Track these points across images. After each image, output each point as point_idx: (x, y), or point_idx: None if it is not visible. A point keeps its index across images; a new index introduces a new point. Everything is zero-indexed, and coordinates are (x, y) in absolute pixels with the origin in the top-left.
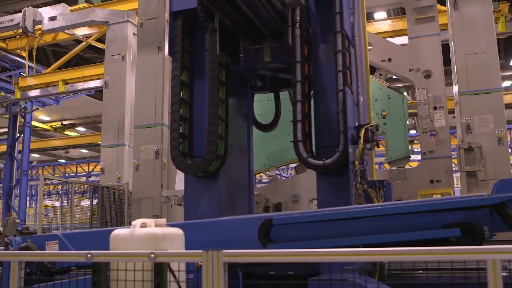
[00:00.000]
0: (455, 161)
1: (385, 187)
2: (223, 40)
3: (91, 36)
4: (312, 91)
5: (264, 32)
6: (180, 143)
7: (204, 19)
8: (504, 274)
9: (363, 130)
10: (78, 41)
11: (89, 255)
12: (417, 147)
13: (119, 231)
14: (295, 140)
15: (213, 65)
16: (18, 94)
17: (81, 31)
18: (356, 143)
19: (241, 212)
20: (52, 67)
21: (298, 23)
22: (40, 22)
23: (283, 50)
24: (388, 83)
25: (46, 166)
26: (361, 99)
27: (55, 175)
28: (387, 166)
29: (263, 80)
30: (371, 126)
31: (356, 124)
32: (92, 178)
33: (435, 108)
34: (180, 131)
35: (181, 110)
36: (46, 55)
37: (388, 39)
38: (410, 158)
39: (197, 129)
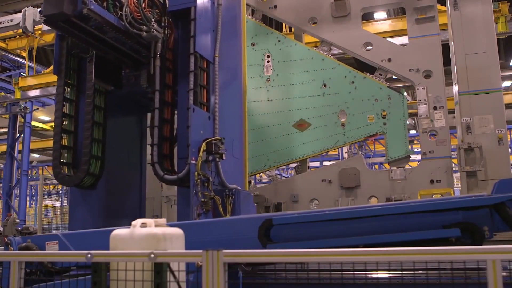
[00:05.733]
0: (455, 161)
1: (234, 195)
2: (106, 67)
3: None
4: (174, 115)
5: (142, 60)
6: (61, 154)
7: (79, 52)
8: (504, 274)
9: (204, 143)
10: None
11: (89, 255)
12: (417, 147)
13: (119, 231)
14: (152, 161)
15: (89, 92)
16: (18, 94)
17: None
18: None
19: (129, 215)
20: (52, 67)
21: (158, 55)
22: (40, 22)
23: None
24: (388, 83)
25: (46, 166)
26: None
27: None
28: (387, 166)
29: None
30: (215, 139)
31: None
32: None
33: (435, 108)
34: (66, 143)
35: (65, 123)
36: (46, 55)
37: (388, 39)
38: (410, 158)
39: (81, 141)
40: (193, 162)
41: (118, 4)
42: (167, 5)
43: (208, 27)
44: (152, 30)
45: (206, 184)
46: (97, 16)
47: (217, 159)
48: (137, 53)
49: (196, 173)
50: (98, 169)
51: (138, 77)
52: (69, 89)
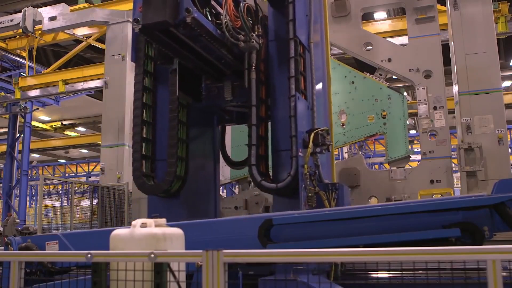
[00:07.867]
0: (455, 161)
1: (338, 190)
2: (186, 76)
3: (91, 36)
4: (267, 131)
5: (225, 71)
6: (141, 147)
7: (163, 62)
8: (504, 274)
9: (313, 134)
10: (78, 41)
11: (89, 255)
12: (417, 147)
13: (119, 231)
14: (256, 181)
15: (172, 106)
16: (18, 94)
17: (81, 31)
18: (306, 147)
19: None
20: (52, 67)
21: (253, 66)
22: (40, 22)
23: (243, 88)
24: (388, 83)
25: (46, 166)
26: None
27: (55, 175)
28: (387, 166)
29: (229, 114)
30: (321, 130)
31: (308, 128)
32: (92, 178)
33: (435, 108)
34: (144, 135)
35: (144, 114)
36: (46, 55)
37: (388, 39)
38: (410, 158)
39: (160, 133)
40: (300, 154)
41: (214, 12)
42: (259, 12)
43: (303, 11)
44: (252, 40)
45: (312, 179)
46: (199, 25)
47: (324, 151)
48: (224, 64)
49: (305, 166)
50: (177, 187)
51: (221, 89)
52: (147, 78)
